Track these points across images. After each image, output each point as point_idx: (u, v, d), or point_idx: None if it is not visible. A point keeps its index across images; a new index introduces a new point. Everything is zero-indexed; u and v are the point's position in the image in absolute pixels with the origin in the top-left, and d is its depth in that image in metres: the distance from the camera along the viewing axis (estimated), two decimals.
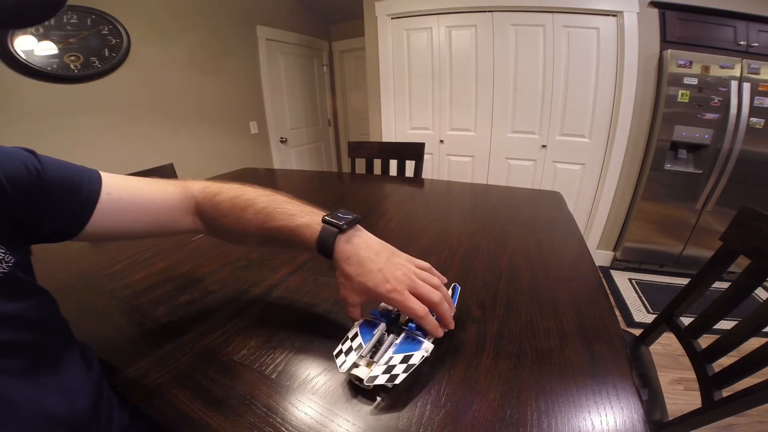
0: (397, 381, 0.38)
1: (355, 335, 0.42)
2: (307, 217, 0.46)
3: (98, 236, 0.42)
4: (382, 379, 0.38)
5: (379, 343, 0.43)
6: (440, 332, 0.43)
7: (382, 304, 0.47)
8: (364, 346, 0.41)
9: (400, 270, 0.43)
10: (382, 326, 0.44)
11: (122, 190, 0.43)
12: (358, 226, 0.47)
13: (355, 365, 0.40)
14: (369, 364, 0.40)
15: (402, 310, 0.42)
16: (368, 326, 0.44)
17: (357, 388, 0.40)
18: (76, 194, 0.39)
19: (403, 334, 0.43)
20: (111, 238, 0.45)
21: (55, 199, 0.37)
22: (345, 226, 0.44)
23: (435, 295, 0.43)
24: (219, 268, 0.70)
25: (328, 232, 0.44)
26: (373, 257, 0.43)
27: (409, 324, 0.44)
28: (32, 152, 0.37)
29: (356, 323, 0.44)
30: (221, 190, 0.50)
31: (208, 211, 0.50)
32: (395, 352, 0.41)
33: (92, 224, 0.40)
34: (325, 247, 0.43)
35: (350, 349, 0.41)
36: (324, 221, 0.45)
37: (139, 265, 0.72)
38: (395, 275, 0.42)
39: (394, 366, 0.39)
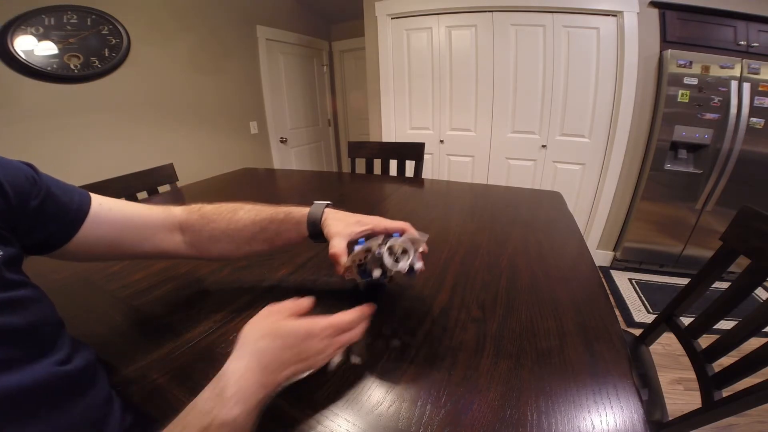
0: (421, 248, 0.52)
1: (362, 261, 0.50)
2: (294, 206, 0.57)
3: (87, 246, 0.44)
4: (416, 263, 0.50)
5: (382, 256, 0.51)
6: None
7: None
8: (375, 251, 0.50)
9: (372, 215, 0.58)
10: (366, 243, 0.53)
11: (112, 204, 0.48)
12: None
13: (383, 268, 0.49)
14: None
15: (386, 228, 0.55)
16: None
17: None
18: (69, 205, 0.42)
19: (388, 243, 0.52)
20: (98, 252, 0.47)
21: (50, 209, 0.40)
22: (331, 204, 0.57)
23: (401, 223, 0.56)
24: (219, 268, 0.70)
25: (318, 207, 0.56)
26: (354, 214, 0.57)
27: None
28: (31, 166, 0.40)
29: (351, 262, 0.50)
30: (203, 205, 0.57)
31: (196, 222, 0.55)
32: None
33: (82, 233, 0.43)
34: (315, 215, 0.55)
35: (370, 261, 0.49)
36: (314, 203, 0.57)
37: (138, 265, 0.72)
38: (372, 216, 0.57)
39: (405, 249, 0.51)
